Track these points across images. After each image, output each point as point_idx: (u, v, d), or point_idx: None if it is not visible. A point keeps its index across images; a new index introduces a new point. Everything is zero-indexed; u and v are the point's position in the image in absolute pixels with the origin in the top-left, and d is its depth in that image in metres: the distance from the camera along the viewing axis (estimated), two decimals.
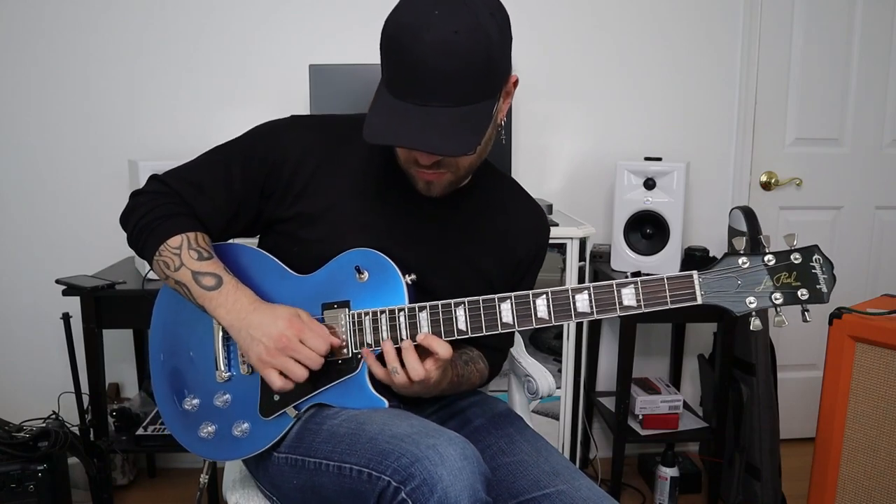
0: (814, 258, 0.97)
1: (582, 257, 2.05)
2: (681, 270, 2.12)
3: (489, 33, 0.94)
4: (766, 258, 0.97)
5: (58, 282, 1.87)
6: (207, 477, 1.27)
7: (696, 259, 2.18)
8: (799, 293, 0.96)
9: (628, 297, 0.98)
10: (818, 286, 0.96)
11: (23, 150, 2.24)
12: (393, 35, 0.95)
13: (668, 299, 0.98)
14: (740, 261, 0.97)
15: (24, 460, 1.82)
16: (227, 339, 1.12)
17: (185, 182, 1.12)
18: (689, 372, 2.58)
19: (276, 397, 1.08)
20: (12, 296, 2.30)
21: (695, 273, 0.97)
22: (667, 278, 0.98)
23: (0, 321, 2.31)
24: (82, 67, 2.21)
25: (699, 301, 0.97)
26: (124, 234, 1.14)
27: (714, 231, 2.48)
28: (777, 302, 0.97)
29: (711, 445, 2.20)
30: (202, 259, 1.08)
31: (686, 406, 2.33)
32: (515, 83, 1.06)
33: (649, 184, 2.13)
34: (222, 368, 1.11)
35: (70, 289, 1.85)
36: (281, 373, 1.03)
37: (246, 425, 1.10)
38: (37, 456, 1.83)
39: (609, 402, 2.36)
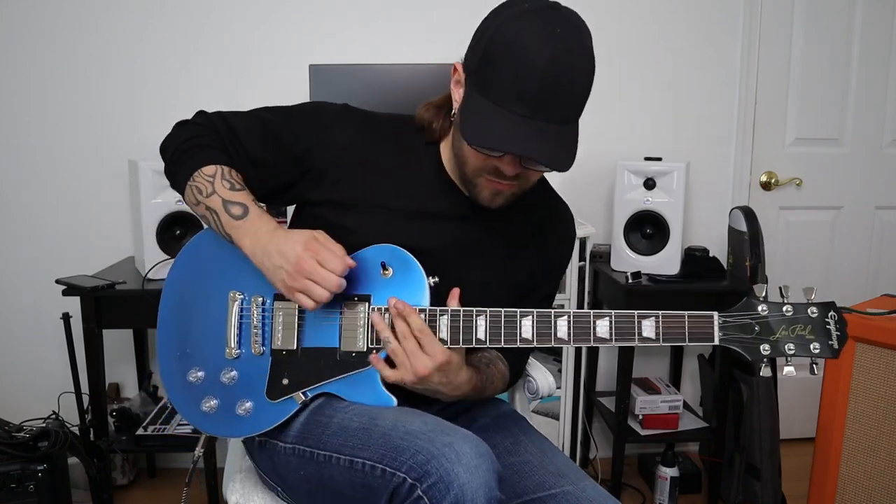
0: (829, 314, 0.99)
1: (582, 257, 2.05)
2: (680, 270, 2.16)
3: (594, 58, 0.98)
4: (784, 308, 1.00)
5: (58, 282, 1.87)
6: (202, 451, 1.25)
7: (696, 259, 2.18)
8: (812, 346, 0.99)
9: (648, 329, 1.01)
10: (830, 342, 0.99)
11: (23, 150, 2.24)
12: (511, 43, 0.95)
13: (687, 336, 1.00)
14: (760, 308, 1.00)
15: (24, 460, 1.82)
16: (243, 315, 1.12)
17: (228, 128, 1.14)
18: (689, 372, 2.58)
19: (286, 381, 1.09)
20: (12, 296, 2.30)
21: (715, 314, 1.00)
22: (688, 315, 1.00)
23: (0, 321, 2.31)
24: (82, 67, 2.21)
25: (716, 342, 0.99)
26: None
27: (714, 231, 2.48)
28: (790, 352, 0.99)
29: (711, 445, 2.21)
30: (234, 190, 1.09)
31: (686, 406, 2.33)
32: None
33: (649, 184, 2.12)
34: (233, 345, 1.12)
35: (70, 289, 1.85)
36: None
37: (249, 404, 1.10)
38: (37, 456, 1.83)
39: (609, 402, 2.36)
